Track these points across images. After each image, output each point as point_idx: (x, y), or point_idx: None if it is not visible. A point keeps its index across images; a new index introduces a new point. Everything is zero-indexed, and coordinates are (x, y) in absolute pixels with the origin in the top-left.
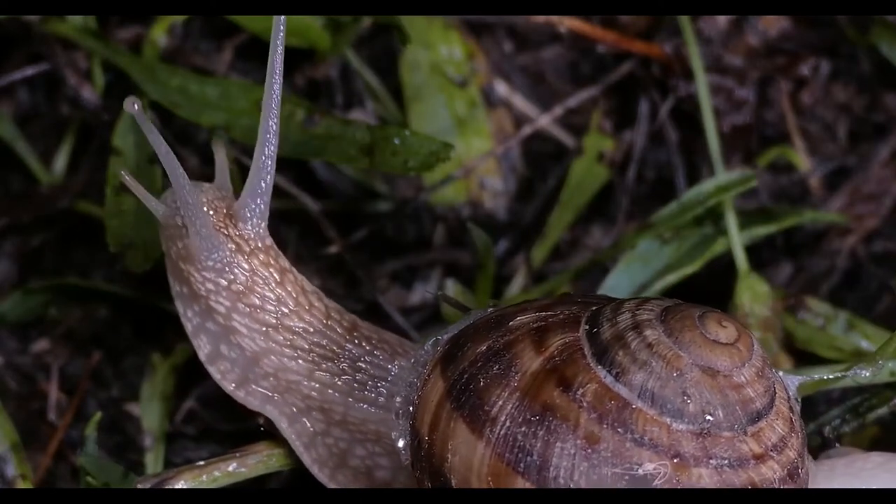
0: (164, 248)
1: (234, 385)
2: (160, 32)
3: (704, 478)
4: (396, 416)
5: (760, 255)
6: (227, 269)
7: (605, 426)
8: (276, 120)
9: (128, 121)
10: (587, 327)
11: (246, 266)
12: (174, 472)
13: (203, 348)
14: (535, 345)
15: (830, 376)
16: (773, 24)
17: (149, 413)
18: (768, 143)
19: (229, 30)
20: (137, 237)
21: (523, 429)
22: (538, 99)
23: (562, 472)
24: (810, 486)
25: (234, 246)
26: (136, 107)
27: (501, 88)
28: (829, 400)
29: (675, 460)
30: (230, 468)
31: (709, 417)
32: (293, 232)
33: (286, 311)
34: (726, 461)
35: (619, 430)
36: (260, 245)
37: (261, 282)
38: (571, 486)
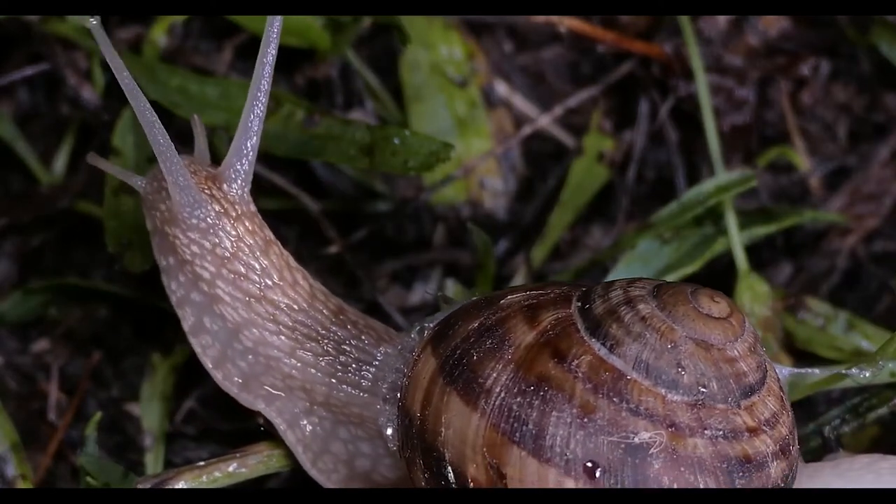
0: (148, 223)
1: (211, 364)
2: (160, 32)
3: (700, 447)
4: (383, 402)
5: (760, 255)
6: (212, 230)
7: (600, 396)
8: (267, 80)
9: (127, 121)
10: (579, 304)
11: (232, 231)
12: (174, 472)
13: (187, 319)
14: (528, 320)
15: (831, 372)
16: (773, 24)
17: (149, 413)
18: (768, 143)
19: (229, 30)
20: (136, 237)
21: (518, 399)
22: (538, 99)
23: (558, 441)
24: (796, 486)
25: (219, 207)
26: (93, 21)
27: (501, 88)
28: (829, 400)
29: (670, 429)
30: (230, 469)
31: (703, 389)
32: (293, 232)
33: (270, 283)
34: (721, 432)
35: (614, 399)
36: (245, 210)
37: (246, 249)
38: (568, 454)
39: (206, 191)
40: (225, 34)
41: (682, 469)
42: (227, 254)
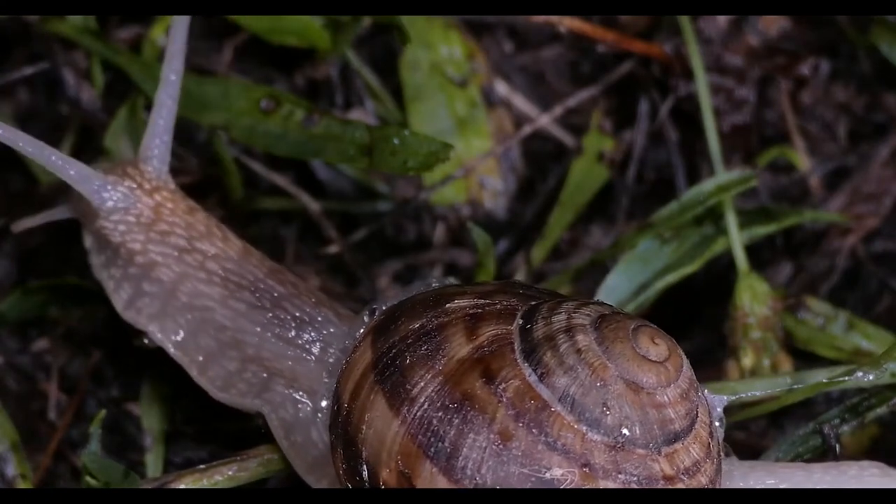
0: (86, 242)
1: (147, 318)
2: (160, 32)
3: None
4: (328, 375)
5: (760, 255)
6: (132, 206)
7: (520, 424)
8: (179, 59)
9: (120, 122)
10: (521, 322)
11: (150, 201)
12: (174, 475)
13: (123, 296)
14: (467, 331)
15: (833, 374)
16: (773, 24)
17: (149, 413)
18: (768, 143)
19: (229, 30)
20: None
21: (440, 414)
22: (538, 99)
23: (470, 464)
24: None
25: (131, 183)
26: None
27: (501, 88)
28: (829, 399)
29: (584, 469)
30: (230, 472)
31: (625, 432)
32: (293, 232)
33: (196, 235)
34: (635, 478)
35: (533, 430)
36: (162, 184)
37: (167, 211)
38: (477, 478)
39: (119, 174)
40: (225, 34)
41: None
42: (150, 219)
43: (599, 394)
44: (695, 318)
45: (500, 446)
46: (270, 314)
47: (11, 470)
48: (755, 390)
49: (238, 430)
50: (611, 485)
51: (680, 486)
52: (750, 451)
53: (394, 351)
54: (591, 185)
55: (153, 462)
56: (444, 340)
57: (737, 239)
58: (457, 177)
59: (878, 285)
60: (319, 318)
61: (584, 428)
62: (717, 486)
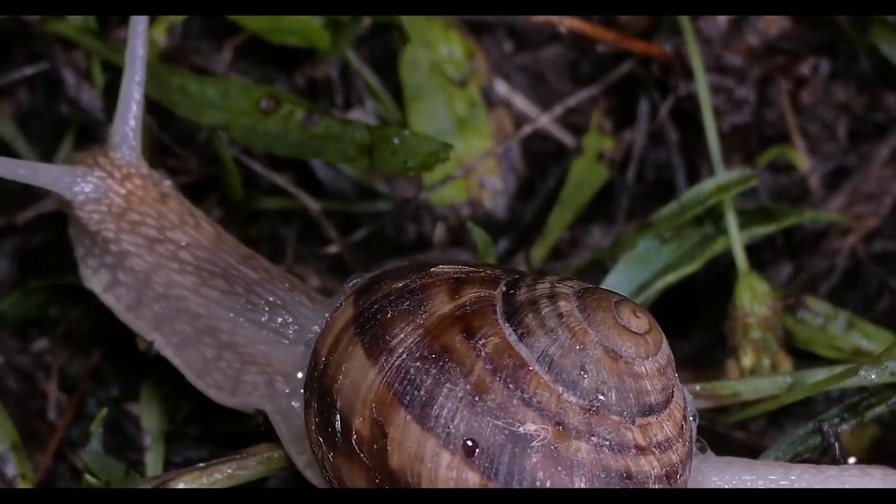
0: (70, 231)
1: (125, 307)
2: (160, 32)
3: (582, 451)
4: (306, 347)
5: (760, 255)
6: (104, 196)
7: (497, 379)
8: (142, 40)
9: None
10: (504, 288)
11: (121, 189)
12: (174, 474)
13: (101, 280)
14: (450, 292)
15: (833, 372)
16: (773, 24)
17: (149, 413)
18: (768, 142)
19: (229, 30)
20: None
21: (418, 364)
22: (538, 99)
23: (444, 412)
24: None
25: (101, 173)
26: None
27: (501, 88)
28: (829, 399)
29: (557, 427)
30: (230, 470)
31: (601, 397)
32: (293, 232)
33: (168, 224)
34: (607, 443)
35: (510, 385)
36: (134, 171)
37: (137, 200)
38: (451, 427)
39: (89, 163)
40: (225, 34)
41: (560, 468)
42: (121, 208)
43: (578, 357)
44: (695, 318)
45: (476, 398)
46: (244, 300)
47: (11, 470)
48: (755, 389)
49: (238, 430)
50: (583, 446)
51: (652, 458)
52: (750, 450)
53: (375, 307)
54: (591, 185)
55: (153, 462)
56: (427, 298)
57: (737, 239)
58: (457, 177)
59: (878, 285)
60: (292, 302)
61: (561, 388)
62: (689, 471)
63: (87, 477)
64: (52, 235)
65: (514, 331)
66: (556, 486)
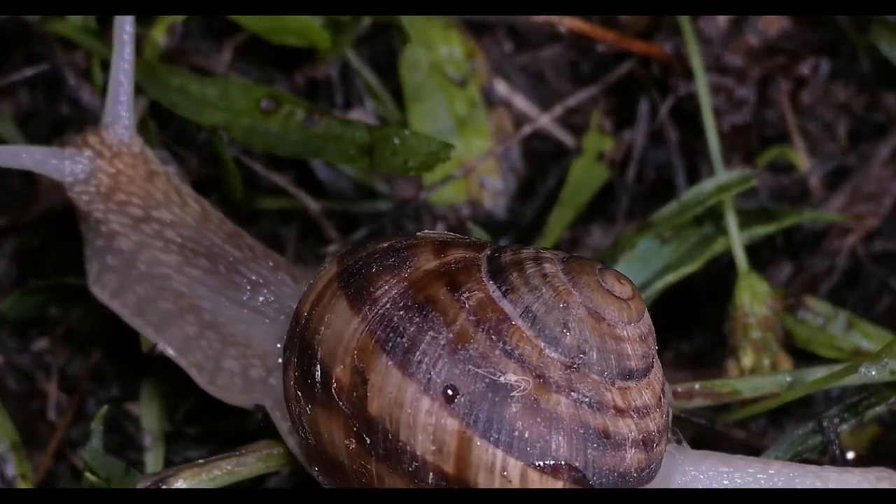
0: (79, 212)
1: (109, 295)
2: (160, 32)
3: (562, 406)
4: (286, 318)
5: (760, 255)
6: (93, 176)
7: (480, 329)
8: (130, 18)
9: None
10: (489, 252)
11: (110, 169)
12: (173, 470)
13: (93, 269)
14: (436, 251)
15: (832, 371)
16: (773, 24)
17: (149, 412)
18: (768, 142)
19: (229, 30)
20: None
21: (401, 312)
22: (538, 99)
23: (426, 359)
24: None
25: (90, 153)
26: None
27: (501, 88)
28: (829, 399)
29: (538, 380)
30: (229, 467)
31: (582, 355)
32: (293, 232)
33: (153, 203)
34: (587, 399)
35: (492, 336)
36: (125, 149)
37: (126, 179)
38: (432, 374)
39: (79, 144)
40: (225, 34)
41: (539, 420)
42: (109, 188)
43: (561, 314)
44: (695, 318)
45: (458, 346)
46: (225, 279)
47: (11, 470)
48: (755, 386)
49: (238, 430)
50: (563, 399)
51: (630, 422)
52: (750, 450)
53: (360, 263)
54: (591, 185)
55: (153, 461)
56: (413, 255)
57: (737, 239)
58: (457, 177)
59: (878, 285)
60: (275, 281)
61: (543, 344)
62: (665, 444)
63: (88, 475)
64: (52, 235)
65: (499, 287)
66: (534, 437)
